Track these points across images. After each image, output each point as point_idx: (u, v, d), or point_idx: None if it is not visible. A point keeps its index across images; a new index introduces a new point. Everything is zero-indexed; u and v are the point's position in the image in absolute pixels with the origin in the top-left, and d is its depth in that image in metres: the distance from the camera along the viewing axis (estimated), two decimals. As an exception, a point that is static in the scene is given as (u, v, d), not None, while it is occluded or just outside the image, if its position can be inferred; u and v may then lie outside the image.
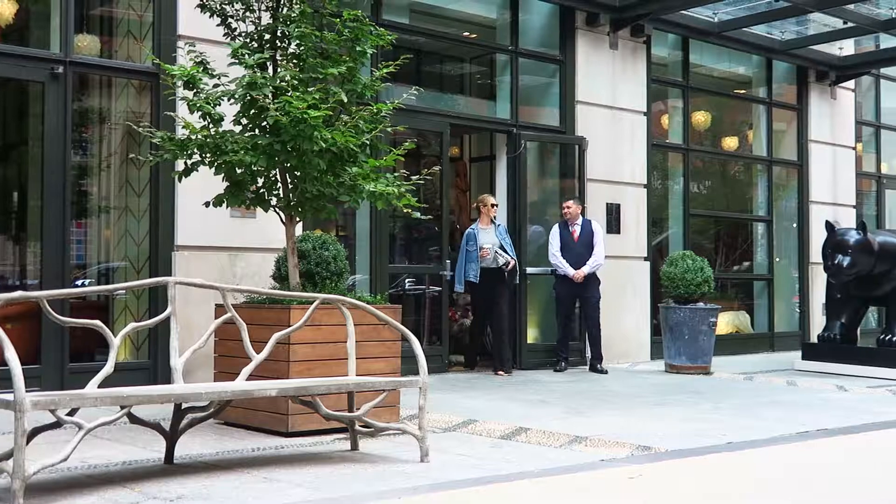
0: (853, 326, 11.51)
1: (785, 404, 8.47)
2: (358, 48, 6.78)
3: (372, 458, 5.69)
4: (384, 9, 10.08)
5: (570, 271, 10.42)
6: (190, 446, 5.79)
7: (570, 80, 11.60)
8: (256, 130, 6.59)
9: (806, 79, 14.53)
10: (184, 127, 6.55)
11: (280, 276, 7.22)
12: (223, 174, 6.64)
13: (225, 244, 8.48)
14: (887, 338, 10.90)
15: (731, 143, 14.43)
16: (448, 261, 10.52)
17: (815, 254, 13.30)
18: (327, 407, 5.79)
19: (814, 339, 12.77)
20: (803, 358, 11.63)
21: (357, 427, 5.90)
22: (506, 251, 10.23)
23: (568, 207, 10.67)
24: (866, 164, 15.94)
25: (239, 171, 6.58)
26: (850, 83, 15.08)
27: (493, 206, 10.39)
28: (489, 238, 10.22)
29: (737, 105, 14.89)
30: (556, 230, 10.70)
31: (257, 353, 5.65)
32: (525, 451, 6.07)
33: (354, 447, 5.90)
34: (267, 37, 6.83)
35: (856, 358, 11.07)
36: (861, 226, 10.78)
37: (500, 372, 10.17)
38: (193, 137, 6.54)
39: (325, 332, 6.38)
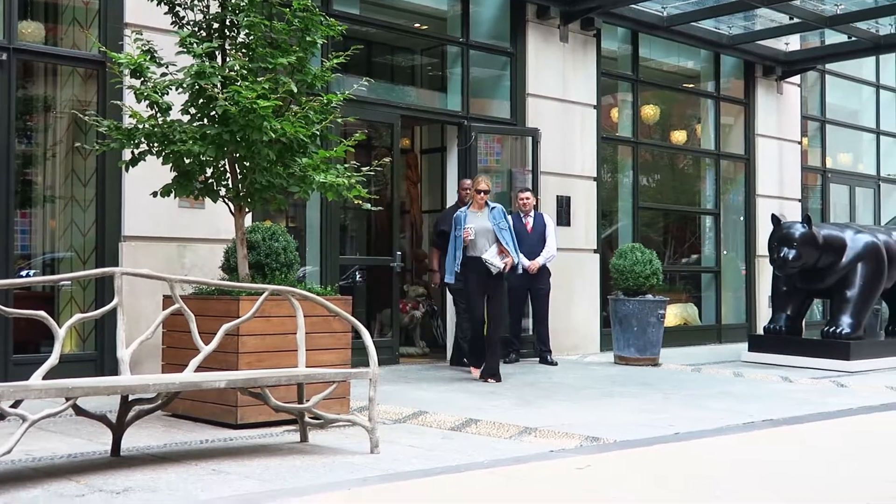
0: (798, 318, 11.68)
1: (732, 395, 8.58)
2: (308, 38, 6.73)
3: (321, 450, 5.67)
4: (335, -1, 10.03)
5: (525, 262, 10.44)
6: (137, 438, 5.72)
7: (520, 72, 11.63)
8: (205, 120, 6.52)
9: (753, 74, 14.71)
10: (131, 116, 6.47)
11: (229, 268, 7.16)
12: (171, 164, 6.56)
13: (173, 235, 8.39)
14: (831, 330, 11.08)
15: (679, 136, 14.57)
16: (399, 252, 10.50)
17: (762, 247, 13.49)
18: (277, 399, 5.76)
19: (760, 331, 12.95)
20: (750, 349, 11.78)
21: (307, 419, 5.87)
22: (502, 246, 8.99)
23: (527, 199, 10.66)
24: (812, 158, 16.19)
25: (187, 160, 6.52)
26: (796, 78, 15.29)
27: (478, 192, 9.12)
28: (478, 222, 9.04)
29: (685, 99, 15.03)
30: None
31: (206, 345, 5.60)
32: (475, 442, 6.09)
33: (304, 439, 5.87)
34: (216, 26, 6.75)
35: (801, 349, 11.24)
36: (806, 219, 10.93)
37: (490, 380, 8.97)
38: (140, 126, 6.46)
39: (275, 323, 6.34)
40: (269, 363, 6.24)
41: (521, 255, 10.49)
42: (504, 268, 8.91)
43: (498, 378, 8.99)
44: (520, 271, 9.38)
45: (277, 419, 6.21)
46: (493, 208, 9.11)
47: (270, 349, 6.32)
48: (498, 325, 9.17)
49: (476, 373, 9.27)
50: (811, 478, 5.23)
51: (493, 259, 8.84)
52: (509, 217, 9.32)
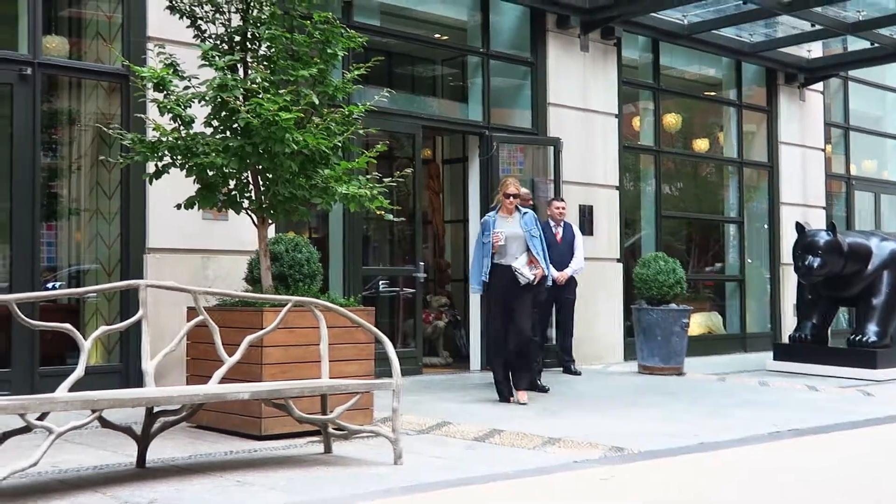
0: (824, 327, 11.60)
1: (757, 404, 8.52)
2: (329, 50, 6.77)
3: (345, 461, 5.67)
4: (355, 11, 10.06)
5: (554, 272, 10.38)
6: (162, 450, 5.74)
7: (541, 82, 11.63)
8: (227, 132, 6.56)
9: (775, 81, 14.64)
10: (154, 129, 6.52)
11: (252, 279, 7.19)
12: (194, 176, 6.60)
13: (197, 246, 8.43)
14: (858, 338, 11.00)
15: (701, 144, 14.51)
16: (422, 262, 10.51)
17: (786, 255, 13.41)
18: (300, 410, 5.77)
19: (785, 339, 12.86)
20: (775, 358, 11.71)
21: (330, 430, 5.88)
22: (532, 256, 8.27)
23: (563, 208, 10.59)
24: (836, 165, 16.09)
25: (210, 173, 6.55)
26: (819, 85, 15.21)
27: (507, 196, 8.36)
28: (508, 228, 8.28)
29: (707, 107, 14.98)
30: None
31: (230, 356, 5.62)
32: (499, 452, 6.07)
33: (328, 450, 5.88)
34: (237, 39, 6.80)
35: (826, 358, 11.16)
36: (831, 227, 10.87)
37: (520, 396, 8.30)
38: (164, 139, 6.50)
39: (298, 334, 6.36)
40: (293, 374, 6.26)
41: (550, 267, 10.45)
42: (534, 280, 8.18)
43: (535, 387, 8.76)
44: (549, 283, 8.76)
45: (301, 430, 6.22)
46: (524, 214, 8.40)
47: (294, 360, 6.33)
48: (520, 341, 8.20)
49: (522, 396, 8.30)
50: (837, 488, 5.18)
51: (523, 269, 8.15)
52: (538, 224, 8.56)
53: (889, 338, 11.09)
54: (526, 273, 8.15)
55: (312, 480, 5.11)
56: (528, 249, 8.26)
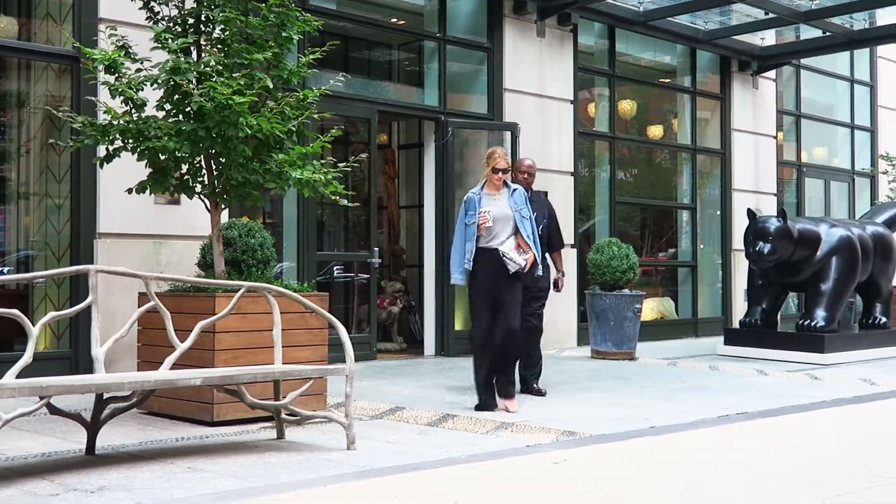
0: (774, 312, 11.75)
1: (707, 389, 8.63)
2: (284, 34, 6.73)
3: (298, 447, 5.67)
4: (311, -6, 10.00)
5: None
6: (112, 437, 5.70)
7: (497, 67, 11.63)
8: (180, 116, 6.51)
9: (729, 68, 14.77)
10: (105, 112, 6.44)
11: (205, 264, 7.14)
12: (146, 160, 6.53)
13: (148, 231, 8.35)
14: (806, 323, 11.16)
15: (656, 131, 14.61)
16: (376, 248, 10.49)
17: (738, 241, 13.56)
18: (253, 395, 5.76)
19: (736, 324, 13.02)
20: (725, 343, 11.86)
21: (283, 416, 5.87)
22: (522, 239, 7.15)
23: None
24: (787, 152, 16.27)
25: (162, 157, 6.49)
26: (772, 73, 15.36)
27: (497, 172, 7.19)
28: (495, 207, 7.16)
29: (661, 94, 15.08)
30: (489, 216, 10.67)
31: (181, 342, 5.58)
32: (452, 437, 6.10)
33: (281, 436, 5.87)
34: (191, 21, 6.73)
35: (776, 343, 11.32)
36: (781, 213, 11.00)
37: (509, 404, 7.15)
38: (115, 123, 6.43)
39: (251, 320, 6.33)
40: (246, 360, 6.23)
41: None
42: (524, 266, 7.11)
43: (530, 390, 7.97)
44: (539, 272, 7.51)
45: (254, 416, 6.20)
46: (514, 190, 7.29)
47: (246, 346, 6.31)
48: (507, 337, 7.12)
49: (512, 404, 7.17)
50: (784, 470, 5.27)
51: (511, 253, 7.06)
52: (529, 204, 7.40)
53: (837, 323, 11.28)
54: (516, 259, 7.05)
55: (265, 466, 5.10)
56: (516, 231, 7.16)
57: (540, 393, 7.97)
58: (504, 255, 7.06)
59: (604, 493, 4.68)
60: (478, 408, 7.16)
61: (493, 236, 7.14)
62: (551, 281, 8.27)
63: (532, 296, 7.81)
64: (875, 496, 4.68)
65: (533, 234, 7.24)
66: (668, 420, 6.79)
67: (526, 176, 8.06)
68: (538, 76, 11.94)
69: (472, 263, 7.14)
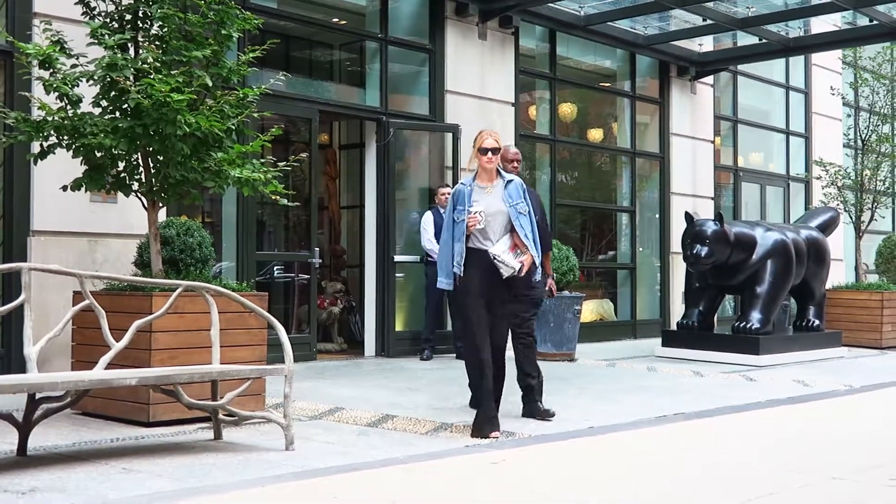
0: (710, 314, 11.93)
1: (645, 389, 8.72)
2: (223, 31, 6.67)
3: (235, 448, 5.62)
4: (252, -8, 9.92)
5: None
6: (45, 438, 5.59)
7: (439, 69, 11.65)
8: (117, 113, 6.41)
9: (668, 73, 14.96)
10: (39, 108, 6.33)
11: (142, 263, 7.05)
12: (82, 157, 6.43)
13: (84, 230, 8.21)
14: (742, 325, 11.34)
15: (596, 134, 14.75)
16: (317, 248, 10.43)
17: (676, 244, 13.72)
18: (191, 396, 5.70)
19: (674, 326, 13.18)
20: (663, 344, 12.00)
21: (221, 416, 5.81)
22: (518, 238, 6.31)
23: (448, 194, 10.65)
24: (724, 157, 16.52)
25: (98, 154, 6.40)
26: (710, 79, 15.59)
27: (486, 152, 6.31)
28: (488, 202, 6.30)
29: (602, 98, 15.22)
30: (429, 217, 10.71)
31: (117, 342, 5.50)
32: (391, 438, 6.09)
33: (218, 436, 5.81)
34: (128, 17, 6.63)
35: (712, 344, 11.48)
36: (718, 217, 11.16)
37: (492, 434, 6.16)
38: (50, 119, 6.32)
39: (189, 319, 6.26)
40: (183, 360, 6.16)
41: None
42: (520, 269, 6.24)
43: (536, 413, 6.84)
44: (538, 277, 6.71)
45: (191, 417, 6.13)
46: (508, 182, 6.39)
47: (184, 346, 6.24)
48: (494, 350, 6.36)
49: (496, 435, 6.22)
50: (718, 470, 5.34)
51: (504, 256, 6.19)
52: (528, 197, 6.49)
53: (771, 325, 11.47)
54: (509, 262, 6.18)
55: (201, 467, 5.05)
56: (511, 230, 6.32)
57: (549, 414, 6.90)
58: (495, 258, 6.16)
59: (542, 493, 4.71)
60: (481, 433, 6.13)
61: (485, 236, 6.29)
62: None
63: (527, 305, 6.94)
64: (803, 495, 4.77)
65: (532, 232, 6.34)
66: (607, 420, 6.85)
67: (515, 164, 7.08)
68: (480, 78, 11.98)
69: (461, 267, 6.26)
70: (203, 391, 5.97)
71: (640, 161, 14.85)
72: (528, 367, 7.02)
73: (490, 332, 6.31)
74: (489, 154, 6.30)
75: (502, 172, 6.44)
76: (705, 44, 15.02)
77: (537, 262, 6.39)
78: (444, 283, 6.42)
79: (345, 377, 9.06)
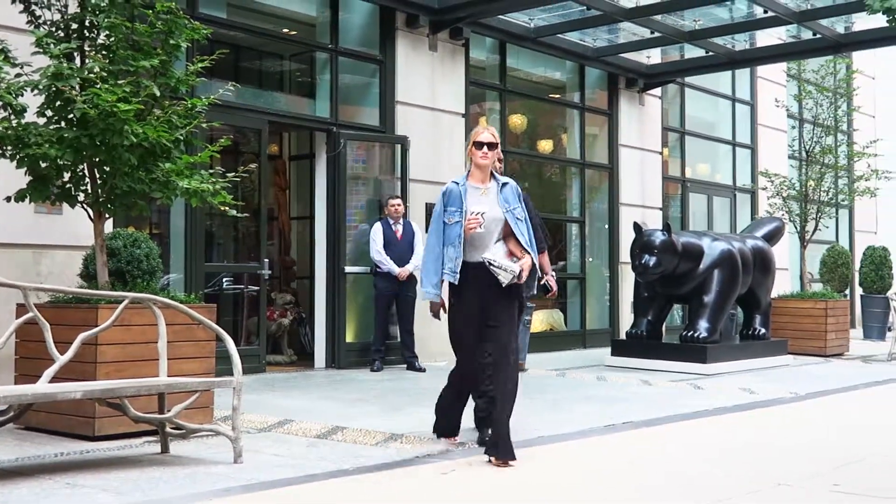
0: (659, 323, 12.04)
1: (594, 399, 8.78)
2: (171, 41, 6.61)
3: (183, 461, 5.56)
4: (200, 2, 9.85)
5: (395, 269, 10.48)
6: (-13, 453, 5.50)
7: (389, 80, 11.66)
8: (62, 123, 6.32)
9: (616, 85, 15.11)
10: (-18, 117, 6.23)
11: (88, 275, 6.96)
12: (26, 168, 6.34)
13: (28, 241, 8.09)
14: (689, 334, 11.46)
15: (546, 146, 14.84)
16: (266, 259, 10.37)
17: (625, 254, 13.85)
18: (137, 409, 5.63)
19: (623, 335, 13.29)
20: (613, 354, 12.09)
21: (168, 429, 5.75)
22: (516, 242, 5.79)
23: (398, 205, 10.72)
24: (672, 168, 16.71)
25: (43, 164, 6.31)
26: (658, 90, 15.78)
27: (482, 146, 5.81)
28: (486, 204, 5.78)
29: (551, 109, 15.33)
30: (378, 228, 10.71)
31: (62, 355, 5.43)
32: (342, 449, 6.07)
33: (165, 450, 5.74)
34: (74, 26, 6.56)
35: (661, 353, 11.59)
36: (666, 227, 11.28)
37: (493, 460, 5.53)
38: (-7, 129, 6.22)
39: (136, 332, 6.19)
40: (130, 373, 6.09)
41: (390, 261, 10.52)
42: (518, 275, 5.64)
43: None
44: (534, 289, 6.31)
45: (137, 430, 6.06)
46: (503, 184, 5.88)
47: (130, 359, 6.16)
48: (505, 365, 5.73)
49: (450, 442, 6.17)
50: (666, 478, 5.39)
51: (502, 262, 5.62)
52: (525, 201, 6.08)
53: (718, 334, 11.61)
54: (509, 266, 5.60)
55: (147, 481, 4.99)
56: (507, 236, 5.80)
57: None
58: (491, 265, 5.59)
59: (489, 501, 4.72)
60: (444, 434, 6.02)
61: (480, 243, 5.72)
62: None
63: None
64: (750, 503, 4.83)
65: (531, 240, 5.81)
66: (557, 430, 6.88)
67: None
68: (430, 89, 12.01)
69: (457, 275, 5.67)
70: (150, 404, 5.90)
71: (590, 172, 14.96)
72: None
73: (494, 342, 5.76)
74: (484, 149, 5.76)
75: (496, 174, 5.92)
76: (653, 56, 15.20)
77: (537, 267, 5.89)
78: (430, 293, 5.80)
79: (294, 389, 9.01)
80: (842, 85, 16.69)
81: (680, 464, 5.83)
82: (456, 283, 5.70)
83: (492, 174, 5.86)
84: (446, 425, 6.33)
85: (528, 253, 5.71)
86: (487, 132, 5.86)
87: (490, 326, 5.74)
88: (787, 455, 6.14)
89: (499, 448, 5.52)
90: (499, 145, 5.90)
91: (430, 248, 5.83)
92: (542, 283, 7.03)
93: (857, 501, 4.86)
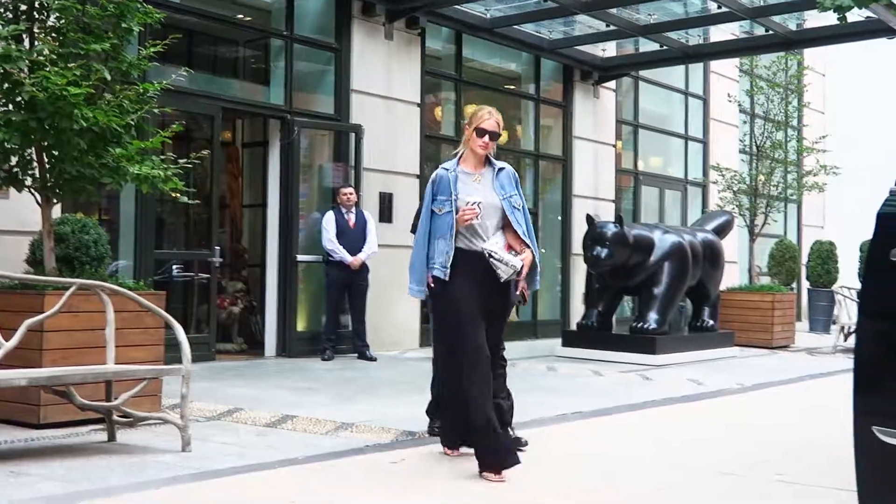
0: (609, 314, 12.14)
1: (545, 389, 8.84)
2: (123, 25, 6.52)
3: (130, 449, 5.52)
4: (154, -15, 9.74)
5: (348, 258, 10.46)
6: (-71, 441, 5.43)
7: (345, 68, 11.62)
8: (10, 106, 6.22)
9: (571, 77, 15.17)
10: (-73, 100, 6.11)
11: (35, 261, 6.87)
12: (-29, 151, 6.23)
13: (-26, 226, 7.97)
14: (639, 325, 11.58)
15: (500, 136, 14.82)
16: (218, 247, 10.30)
17: (577, 245, 13.93)
18: (84, 397, 5.58)
19: (574, 326, 13.38)
20: (564, 345, 12.17)
21: (115, 417, 5.71)
22: (514, 234, 5.29)
23: (350, 194, 10.70)
24: (625, 161, 16.83)
25: (-10, 148, 6.20)
26: (612, 83, 15.87)
27: (484, 134, 5.29)
28: (480, 192, 5.29)
29: (507, 100, 15.32)
30: (330, 216, 10.67)
31: (6, 341, 5.35)
32: (291, 438, 6.06)
33: (112, 438, 5.70)
34: (23, 7, 6.44)
35: (611, 344, 11.69)
36: (618, 219, 11.37)
37: (489, 475, 4.96)
38: (-62, 111, 6.11)
39: (83, 319, 6.12)
40: (76, 360, 6.02)
41: (343, 250, 10.50)
42: (520, 269, 5.19)
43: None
44: (537, 281, 5.62)
45: (84, 418, 6.00)
46: (499, 170, 5.40)
47: (77, 346, 6.09)
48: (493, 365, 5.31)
49: (453, 454, 5.52)
50: (612, 466, 5.45)
51: (503, 254, 5.17)
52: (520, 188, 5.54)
53: (668, 325, 11.75)
54: (510, 260, 5.14)
55: (94, 469, 4.95)
56: (505, 226, 5.31)
57: (521, 443, 5.79)
58: (492, 257, 5.13)
59: (440, 491, 4.74)
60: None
61: (476, 234, 5.22)
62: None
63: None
64: (692, 491, 4.90)
65: (529, 229, 5.33)
66: (506, 420, 6.91)
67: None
68: (386, 78, 11.98)
69: (447, 270, 5.14)
70: (97, 392, 5.84)
71: (544, 163, 15.03)
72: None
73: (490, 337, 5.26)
74: (486, 138, 5.26)
75: (492, 159, 5.38)
76: (608, 49, 15.28)
77: (537, 259, 5.36)
78: (415, 290, 5.30)
79: (244, 378, 8.97)
80: (793, 81, 16.90)
81: (627, 453, 5.89)
82: (446, 278, 5.13)
83: (487, 158, 5.37)
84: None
85: (528, 246, 5.23)
86: (493, 119, 5.30)
87: (489, 320, 5.25)
88: (731, 445, 6.24)
89: (509, 457, 4.99)
90: (500, 136, 5.39)
91: (418, 243, 5.32)
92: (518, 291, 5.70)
93: (799, 490, 4.95)
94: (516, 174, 5.48)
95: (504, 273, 5.13)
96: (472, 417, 5.03)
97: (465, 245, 5.20)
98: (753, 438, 6.54)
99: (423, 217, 5.32)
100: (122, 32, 6.53)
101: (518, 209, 5.31)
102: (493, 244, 5.18)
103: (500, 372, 5.67)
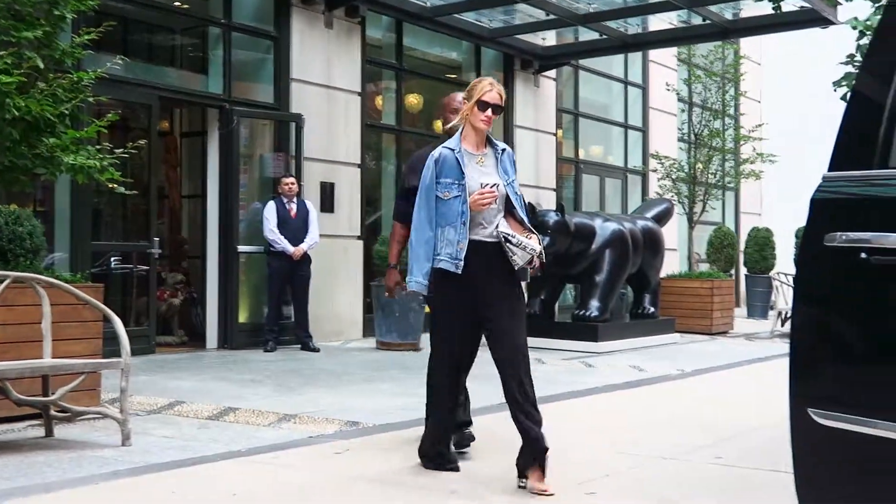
0: (552, 302, 12.22)
1: (488, 377, 8.79)
2: (56, 12, 6.40)
3: (69, 445, 5.43)
4: (88, -28, 9.55)
5: (290, 248, 10.39)
6: None
7: (284, 57, 11.52)
8: (-61, 95, 6.08)
9: (512, 66, 15.21)
10: None
11: (-33, 254, 6.70)
12: None
13: None
14: (581, 313, 11.67)
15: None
16: (157, 238, 10.16)
17: (519, 234, 13.97)
18: (21, 392, 5.46)
19: (516, 314, 13.41)
20: (506, 333, 12.18)
21: (53, 412, 5.61)
22: (517, 219, 4.75)
23: (292, 184, 10.63)
24: (566, 149, 16.93)
25: (-82, 138, 6.05)
26: (552, 72, 15.94)
27: (487, 108, 4.68)
28: (487, 175, 4.71)
29: (448, 89, 15.24)
30: (271, 206, 10.59)
31: (-62, 336, 5.23)
32: (233, 430, 6.01)
33: (49, 434, 5.60)
34: (-48, -6, 6.30)
35: (553, 332, 11.76)
36: (560, 208, 11.43)
37: (536, 481, 4.67)
38: None
39: (19, 312, 6.00)
40: (12, 355, 5.89)
41: (284, 240, 10.43)
42: (539, 255, 4.63)
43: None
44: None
45: (20, 414, 5.88)
46: (501, 151, 4.83)
47: (13, 340, 5.96)
48: (521, 364, 4.96)
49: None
50: (556, 454, 5.48)
51: (519, 238, 4.61)
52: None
53: (609, 313, 11.84)
54: (528, 245, 4.58)
55: (30, 466, 4.86)
56: (510, 210, 4.76)
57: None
58: (508, 242, 4.59)
59: (383, 481, 4.74)
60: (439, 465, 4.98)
61: (482, 221, 4.67)
62: None
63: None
64: (634, 476, 4.96)
65: (526, 216, 4.82)
66: (449, 408, 6.92)
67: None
68: (326, 67, 11.90)
69: (461, 262, 4.60)
70: (34, 387, 5.73)
71: (485, 152, 15.01)
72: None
73: (504, 337, 4.85)
74: (489, 111, 4.70)
75: (492, 139, 4.85)
76: (548, 38, 15.33)
77: (542, 249, 4.72)
78: (415, 282, 4.76)
79: (185, 370, 8.87)
80: (729, 70, 17.13)
81: (569, 439, 5.93)
82: (459, 271, 4.60)
83: (487, 138, 4.83)
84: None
85: (533, 233, 4.72)
86: (495, 90, 4.72)
87: (490, 318, 4.76)
88: (672, 430, 6.31)
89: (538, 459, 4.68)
90: (503, 109, 4.84)
91: (419, 228, 4.72)
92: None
93: (737, 472, 5.03)
94: (514, 156, 4.95)
95: (521, 259, 4.60)
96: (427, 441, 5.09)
97: (473, 234, 4.65)
98: (694, 423, 6.63)
99: (424, 202, 4.72)
100: (54, 20, 6.43)
101: (518, 194, 4.80)
102: (506, 229, 4.66)
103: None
